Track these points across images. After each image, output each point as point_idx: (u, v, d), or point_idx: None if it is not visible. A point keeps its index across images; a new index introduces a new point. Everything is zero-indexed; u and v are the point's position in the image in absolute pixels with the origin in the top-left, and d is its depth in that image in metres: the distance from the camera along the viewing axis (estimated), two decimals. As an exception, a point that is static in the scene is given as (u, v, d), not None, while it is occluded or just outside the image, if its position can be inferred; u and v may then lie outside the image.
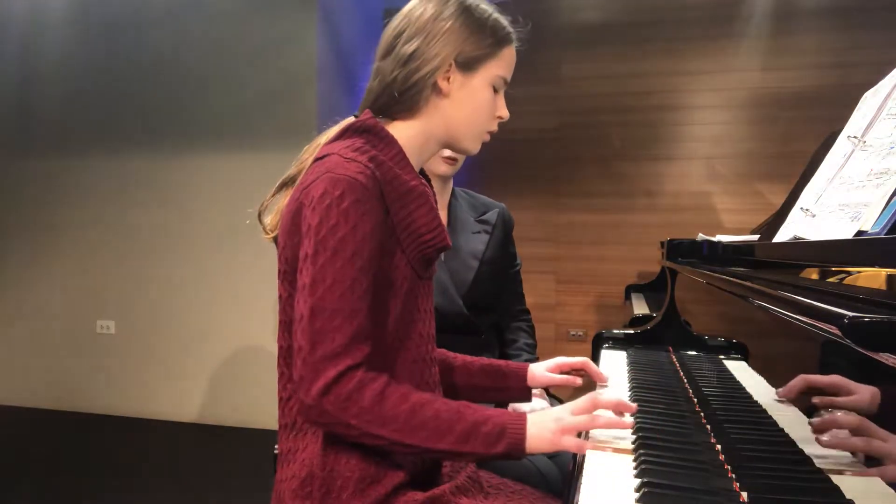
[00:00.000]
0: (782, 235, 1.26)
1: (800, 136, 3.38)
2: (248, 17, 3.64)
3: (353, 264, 0.89)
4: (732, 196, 3.69)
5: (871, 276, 0.74)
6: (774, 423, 0.95)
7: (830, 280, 0.85)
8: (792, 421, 0.92)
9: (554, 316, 3.94)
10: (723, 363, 1.37)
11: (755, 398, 1.08)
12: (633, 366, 1.43)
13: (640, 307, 2.76)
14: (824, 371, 0.85)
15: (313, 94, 3.55)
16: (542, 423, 0.91)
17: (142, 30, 3.78)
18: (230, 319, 3.70)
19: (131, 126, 3.82)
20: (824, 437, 0.78)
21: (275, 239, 1.05)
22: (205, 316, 3.74)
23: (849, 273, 0.79)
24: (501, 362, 1.26)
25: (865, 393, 0.75)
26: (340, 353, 0.87)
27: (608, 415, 0.93)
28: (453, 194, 1.69)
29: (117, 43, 3.82)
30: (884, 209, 0.88)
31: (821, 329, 0.64)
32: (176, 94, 3.75)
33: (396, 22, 1.05)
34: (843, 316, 0.58)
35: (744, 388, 1.16)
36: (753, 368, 1.24)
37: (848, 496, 0.69)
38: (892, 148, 0.97)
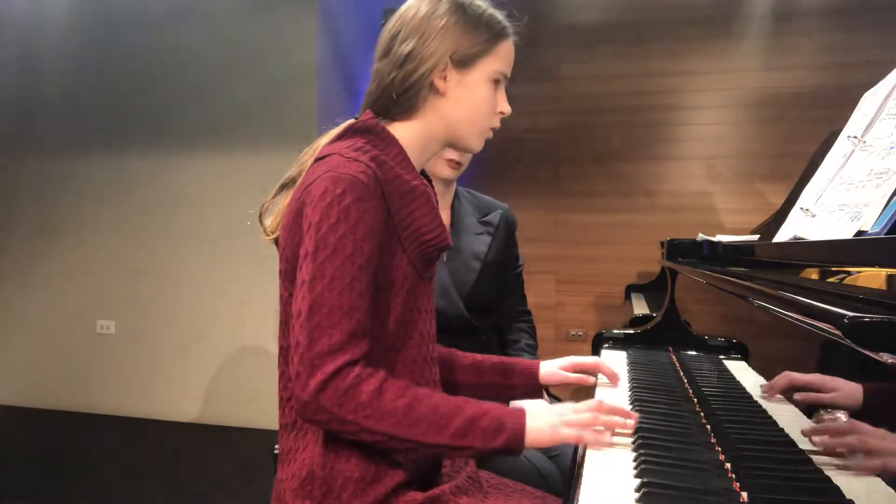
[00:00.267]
0: (782, 235, 1.26)
1: (800, 136, 3.38)
2: (248, 17, 3.64)
3: (352, 262, 0.89)
4: (732, 196, 3.69)
5: (871, 276, 0.74)
6: (774, 423, 0.95)
7: (830, 280, 0.85)
8: (792, 421, 0.92)
9: (554, 316, 3.94)
10: (723, 363, 1.37)
11: (755, 398, 1.08)
12: (633, 366, 1.43)
13: (640, 307, 2.76)
14: (824, 371, 0.85)
15: (313, 94, 3.55)
16: (542, 417, 0.91)
17: (142, 30, 3.78)
18: (230, 319, 3.70)
19: (131, 126, 3.82)
20: (816, 439, 0.78)
21: (275, 240, 1.05)
22: (205, 316, 3.74)
23: (849, 273, 0.79)
24: (512, 359, 1.26)
25: (848, 389, 0.75)
26: (338, 349, 0.87)
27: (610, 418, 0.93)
28: (456, 195, 1.68)
29: (117, 43, 3.82)
30: (884, 209, 0.88)
31: (821, 329, 0.64)
32: (176, 93, 3.75)
33: (392, 23, 1.05)
34: (843, 316, 0.58)
35: (744, 389, 1.16)
36: (753, 368, 1.24)
37: (848, 496, 0.69)
38: (892, 148, 0.97)
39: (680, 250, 1.84)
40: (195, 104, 3.72)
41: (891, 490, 0.66)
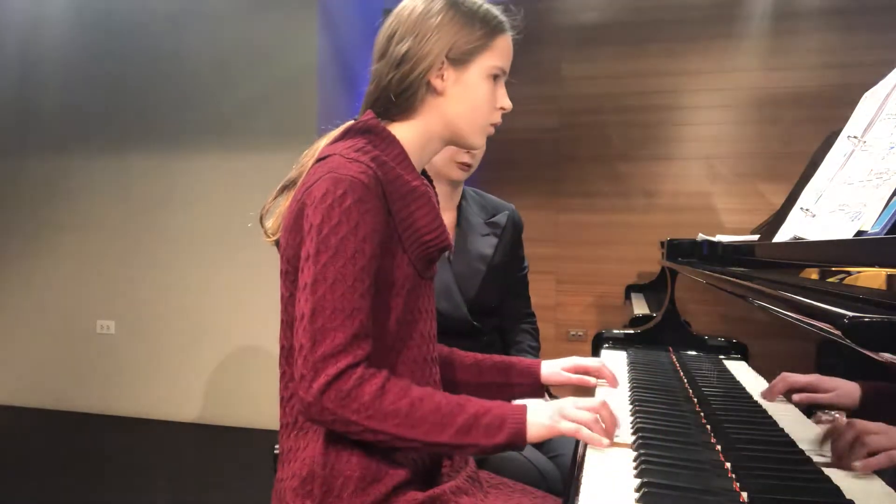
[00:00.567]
0: (782, 235, 1.26)
1: (800, 136, 3.38)
2: (249, 17, 3.64)
3: (354, 263, 0.89)
4: (732, 196, 3.69)
5: (871, 276, 0.74)
6: (774, 423, 0.95)
7: (830, 280, 0.85)
8: (792, 421, 0.92)
9: (554, 316, 3.94)
10: (723, 363, 1.37)
11: (755, 398, 1.08)
12: (633, 366, 1.43)
13: (640, 307, 2.77)
14: (824, 371, 0.85)
15: (313, 95, 3.55)
16: (542, 412, 0.92)
17: (142, 30, 3.78)
18: (230, 319, 3.70)
19: (131, 126, 3.82)
20: (857, 464, 0.76)
21: (276, 242, 1.05)
22: (205, 316, 3.74)
23: (849, 273, 0.79)
24: (513, 359, 1.26)
25: (846, 389, 0.75)
26: (341, 351, 0.87)
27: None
28: (464, 195, 1.66)
29: (117, 43, 3.82)
30: (884, 209, 0.88)
31: (821, 329, 0.64)
32: (176, 93, 3.75)
33: (388, 22, 1.05)
34: (844, 316, 0.58)
35: (744, 389, 1.16)
36: (753, 368, 1.24)
37: (848, 496, 0.69)
38: (892, 148, 0.97)
39: (680, 250, 1.83)
40: (195, 104, 3.72)
41: (890, 490, 0.66)
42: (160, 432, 3.64)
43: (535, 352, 1.74)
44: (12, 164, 4.02)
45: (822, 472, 0.75)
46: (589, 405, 0.94)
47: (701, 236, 1.89)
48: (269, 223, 1.08)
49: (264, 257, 3.39)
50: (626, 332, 1.70)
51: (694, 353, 1.56)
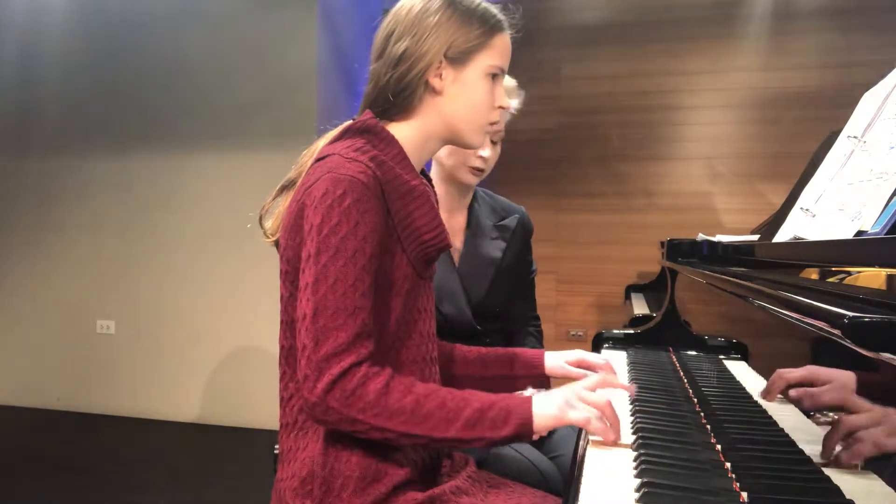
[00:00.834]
0: (782, 235, 1.26)
1: (800, 136, 3.38)
2: (248, 17, 3.64)
3: (355, 263, 0.89)
4: (732, 196, 3.69)
5: (871, 276, 0.74)
6: (774, 423, 0.95)
7: (830, 280, 0.85)
8: (792, 421, 0.92)
9: (554, 316, 3.94)
10: (723, 363, 1.37)
11: (755, 398, 1.08)
12: (634, 366, 1.43)
13: (640, 307, 2.77)
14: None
15: (313, 94, 3.55)
16: (549, 402, 0.92)
17: (142, 30, 3.78)
18: (230, 319, 3.70)
19: (131, 126, 3.83)
20: (844, 455, 0.76)
21: (275, 243, 1.05)
22: (205, 316, 3.74)
23: (849, 273, 0.79)
24: (517, 350, 1.26)
25: (841, 379, 0.75)
26: (344, 350, 0.87)
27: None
28: (475, 197, 1.63)
29: (117, 43, 3.82)
30: (884, 209, 0.88)
31: (821, 329, 0.64)
32: (176, 93, 3.75)
33: (386, 22, 1.04)
34: (843, 316, 0.58)
35: (744, 388, 1.16)
36: (753, 368, 1.24)
37: (848, 496, 0.69)
38: (892, 148, 0.97)
39: (680, 250, 1.83)
40: (195, 104, 3.72)
41: (890, 490, 0.66)
42: (160, 432, 3.64)
43: None
44: (12, 164, 4.02)
45: (822, 472, 0.75)
46: (594, 399, 0.93)
47: (701, 236, 1.89)
48: (269, 223, 1.08)
49: (264, 257, 3.38)
50: (626, 332, 1.70)
51: (694, 353, 1.56)
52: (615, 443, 0.91)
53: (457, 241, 1.57)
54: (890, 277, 0.68)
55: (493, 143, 1.52)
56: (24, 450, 3.37)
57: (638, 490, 0.74)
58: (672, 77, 3.75)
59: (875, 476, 0.70)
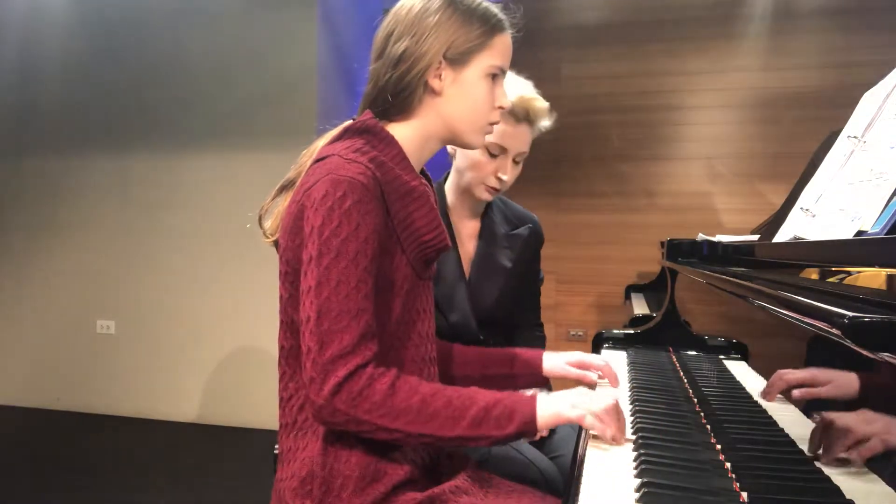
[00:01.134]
0: (782, 235, 1.26)
1: (800, 136, 3.38)
2: (248, 17, 3.64)
3: (356, 265, 0.89)
4: (732, 196, 3.69)
5: (871, 276, 0.74)
6: (774, 423, 0.95)
7: (830, 280, 0.84)
8: (792, 421, 0.92)
9: (554, 316, 3.94)
10: (723, 363, 1.37)
11: (755, 398, 1.08)
12: (633, 366, 1.43)
13: (640, 307, 2.76)
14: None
15: (313, 94, 3.55)
16: (553, 401, 0.92)
17: (142, 30, 3.78)
18: (230, 319, 3.70)
19: (131, 126, 3.82)
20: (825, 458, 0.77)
21: (275, 243, 1.05)
22: (205, 316, 3.74)
23: (849, 273, 0.79)
24: (516, 350, 1.26)
25: (842, 380, 0.75)
26: (349, 352, 0.88)
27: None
28: (489, 204, 1.61)
29: (117, 43, 3.82)
30: (884, 209, 0.88)
31: (821, 329, 0.64)
32: (176, 93, 3.75)
33: (387, 22, 1.04)
34: (844, 316, 0.58)
35: (744, 389, 1.16)
36: (753, 368, 1.25)
37: (848, 496, 0.69)
38: (892, 148, 0.97)
39: (680, 250, 1.83)
40: (195, 104, 3.72)
41: (890, 490, 0.66)
42: (160, 432, 3.64)
43: None
44: (12, 163, 4.02)
45: (822, 472, 0.75)
46: (601, 400, 0.93)
47: (701, 236, 1.89)
48: (268, 223, 1.08)
49: (264, 257, 3.38)
50: (626, 332, 1.70)
51: (694, 353, 1.56)
52: (614, 439, 0.91)
53: (468, 247, 1.56)
54: (890, 277, 0.68)
55: (516, 162, 1.51)
56: (24, 450, 3.37)
57: (638, 490, 0.74)
58: (672, 77, 3.75)
59: (875, 476, 0.70)
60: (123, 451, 3.36)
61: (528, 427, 0.90)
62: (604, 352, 1.62)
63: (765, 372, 1.15)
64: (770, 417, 0.97)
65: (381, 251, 0.94)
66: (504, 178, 1.48)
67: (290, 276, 0.97)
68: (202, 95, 3.71)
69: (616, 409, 0.93)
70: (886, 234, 0.84)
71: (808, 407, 0.91)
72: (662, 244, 2.00)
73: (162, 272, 3.80)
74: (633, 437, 0.92)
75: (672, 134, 3.80)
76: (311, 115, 3.53)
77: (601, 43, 3.86)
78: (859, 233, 0.91)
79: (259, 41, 3.62)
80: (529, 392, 0.96)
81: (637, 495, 0.73)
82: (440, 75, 1.01)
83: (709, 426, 0.98)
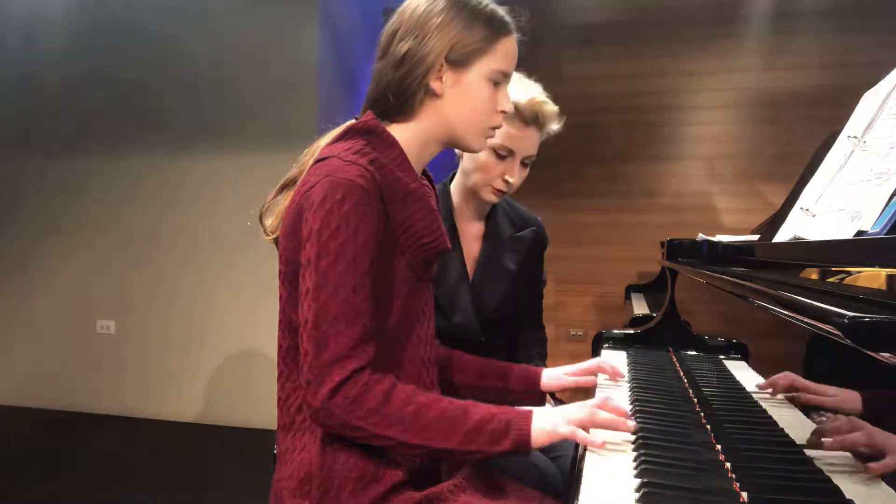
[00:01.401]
0: (782, 235, 1.26)
1: (800, 136, 3.38)
2: (249, 16, 3.64)
3: (355, 268, 0.89)
4: (732, 196, 3.69)
5: (871, 276, 0.74)
6: (774, 423, 0.95)
7: (830, 280, 0.84)
8: (792, 421, 0.92)
9: (554, 316, 3.93)
10: (723, 363, 1.37)
11: (755, 398, 1.08)
12: (634, 366, 1.43)
13: (640, 307, 2.76)
14: (822, 372, 0.85)
15: (313, 94, 3.55)
16: (547, 417, 0.92)
17: (142, 30, 3.78)
18: (230, 319, 3.70)
19: (131, 126, 3.82)
20: (827, 440, 0.78)
21: (275, 240, 1.05)
22: (205, 316, 3.74)
23: (849, 273, 0.79)
24: (514, 365, 1.26)
25: (848, 395, 0.75)
26: (346, 356, 0.87)
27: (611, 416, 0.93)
28: (495, 205, 1.61)
29: (117, 43, 3.82)
30: (884, 209, 0.88)
31: (821, 329, 0.64)
32: (176, 93, 3.75)
33: (392, 21, 1.04)
34: (844, 316, 0.58)
35: (744, 389, 1.16)
36: (753, 368, 1.24)
37: (848, 496, 0.69)
38: (892, 148, 0.97)
39: (680, 250, 1.83)
40: (195, 104, 3.72)
41: (891, 490, 0.66)
42: (160, 432, 3.63)
43: (542, 359, 1.72)
44: (12, 164, 4.02)
45: (822, 472, 0.75)
46: (588, 404, 0.94)
47: (701, 236, 1.89)
48: (269, 221, 1.08)
49: (264, 257, 3.39)
50: (626, 332, 1.70)
51: (694, 353, 1.56)
52: (626, 428, 0.91)
53: (473, 249, 1.56)
54: (890, 277, 0.68)
55: (524, 165, 1.51)
56: (24, 450, 3.37)
57: (638, 490, 0.74)
58: (672, 77, 3.75)
59: (875, 476, 0.70)
60: (123, 451, 3.35)
61: (521, 445, 0.90)
62: (604, 352, 1.62)
63: (765, 372, 1.15)
64: (770, 417, 0.97)
65: (381, 253, 0.94)
66: (511, 180, 1.47)
67: (290, 277, 0.97)
68: (202, 95, 3.71)
69: (604, 407, 0.93)
70: (886, 234, 0.84)
71: (808, 408, 0.91)
72: (662, 244, 2.00)
73: (162, 272, 3.79)
74: (634, 437, 0.92)
75: (672, 134, 3.80)
76: (311, 115, 3.53)
77: (601, 43, 3.86)
78: (859, 233, 0.91)
79: (259, 41, 3.62)
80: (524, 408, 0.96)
81: (637, 495, 0.73)
82: (441, 77, 1.00)
83: (709, 426, 0.98)
